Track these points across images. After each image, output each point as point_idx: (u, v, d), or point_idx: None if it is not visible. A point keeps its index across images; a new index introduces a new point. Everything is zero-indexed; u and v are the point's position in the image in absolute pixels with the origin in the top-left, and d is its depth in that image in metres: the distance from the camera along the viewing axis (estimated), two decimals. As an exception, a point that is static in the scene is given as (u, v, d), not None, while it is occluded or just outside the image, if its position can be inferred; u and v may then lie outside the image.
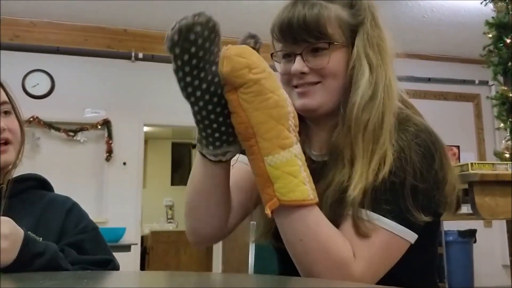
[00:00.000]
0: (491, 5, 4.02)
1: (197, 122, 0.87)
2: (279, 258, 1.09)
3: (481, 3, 4.11)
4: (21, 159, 1.22)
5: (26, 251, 0.94)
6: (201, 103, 0.83)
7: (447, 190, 0.94)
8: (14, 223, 0.94)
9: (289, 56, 0.99)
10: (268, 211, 0.83)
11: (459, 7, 5.30)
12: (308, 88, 0.97)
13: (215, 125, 0.86)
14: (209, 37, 0.78)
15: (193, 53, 0.78)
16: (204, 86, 0.82)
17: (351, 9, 0.98)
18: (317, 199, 0.85)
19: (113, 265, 1.15)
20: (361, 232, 0.86)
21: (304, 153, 0.87)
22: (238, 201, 1.05)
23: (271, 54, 1.02)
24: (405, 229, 0.88)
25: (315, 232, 0.84)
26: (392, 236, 0.87)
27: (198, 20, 0.77)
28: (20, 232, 0.95)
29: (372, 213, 0.87)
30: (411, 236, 0.89)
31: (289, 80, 0.99)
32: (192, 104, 0.84)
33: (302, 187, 0.83)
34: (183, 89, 0.82)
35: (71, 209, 1.20)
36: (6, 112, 1.18)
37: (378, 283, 0.87)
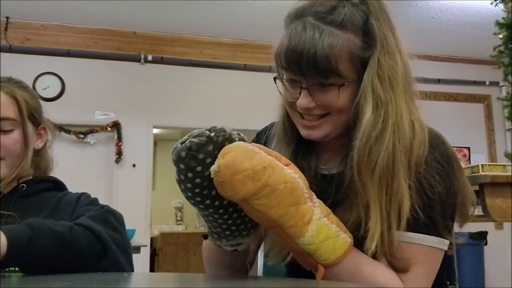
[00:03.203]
0: (501, 6, 3.99)
1: (206, 221, 0.83)
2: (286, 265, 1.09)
3: (491, 4, 4.08)
4: (20, 172, 1.22)
5: (16, 242, 0.87)
6: (206, 212, 0.80)
7: (464, 199, 0.95)
8: None
9: (294, 82, 0.93)
10: (319, 278, 0.82)
11: (469, 7, 5.27)
12: (314, 122, 0.93)
13: (224, 226, 0.82)
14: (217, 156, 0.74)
15: (198, 171, 0.74)
16: (207, 201, 0.78)
17: (364, 37, 0.90)
18: (350, 237, 0.84)
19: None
20: (397, 256, 0.87)
21: (316, 174, 0.85)
22: None
23: (274, 78, 0.96)
24: (441, 239, 0.89)
25: (360, 274, 0.84)
26: (429, 249, 0.88)
27: (213, 139, 0.72)
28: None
29: (406, 233, 0.87)
30: (445, 244, 0.90)
31: (292, 103, 0.94)
32: (198, 210, 0.80)
33: (339, 239, 0.82)
34: (187, 198, 0.78)
35: (80, 197, 1.24)
36: (5, 131, 1.17)
37: None
